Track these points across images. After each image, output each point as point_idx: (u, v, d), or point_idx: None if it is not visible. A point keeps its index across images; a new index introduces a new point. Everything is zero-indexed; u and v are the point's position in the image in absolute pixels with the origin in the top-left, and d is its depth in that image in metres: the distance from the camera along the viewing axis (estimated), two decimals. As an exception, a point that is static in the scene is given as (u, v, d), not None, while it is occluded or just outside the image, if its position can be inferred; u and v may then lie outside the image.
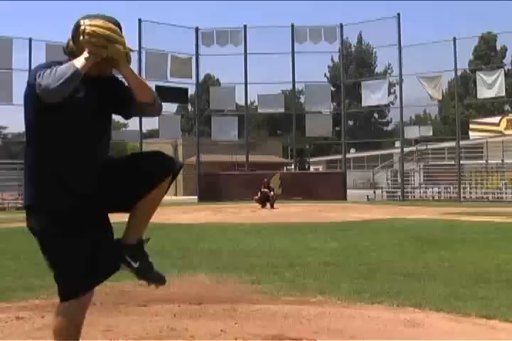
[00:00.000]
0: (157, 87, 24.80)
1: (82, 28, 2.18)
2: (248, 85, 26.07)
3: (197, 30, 26.26)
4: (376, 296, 4.42)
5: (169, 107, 25.39)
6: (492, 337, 3.34)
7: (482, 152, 27.45)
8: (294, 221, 12.74)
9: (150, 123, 48.76)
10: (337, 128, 32.92)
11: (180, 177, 34.59)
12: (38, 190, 2.24)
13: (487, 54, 45.35)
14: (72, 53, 2.27)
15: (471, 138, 26.61)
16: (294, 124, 26.67)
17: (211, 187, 24.10)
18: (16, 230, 11.08)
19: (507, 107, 43.21)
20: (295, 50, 26.13)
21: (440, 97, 26.27)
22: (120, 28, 2.27)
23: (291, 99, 28.75)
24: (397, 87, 30.39)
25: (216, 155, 32.12)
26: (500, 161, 25.49)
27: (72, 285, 2.28)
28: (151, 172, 2.27)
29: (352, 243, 8.27)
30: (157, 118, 20.68)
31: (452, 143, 25.78)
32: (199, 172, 25.63)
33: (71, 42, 2.29)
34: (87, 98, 2.23)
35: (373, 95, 26.00)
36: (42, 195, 2.23)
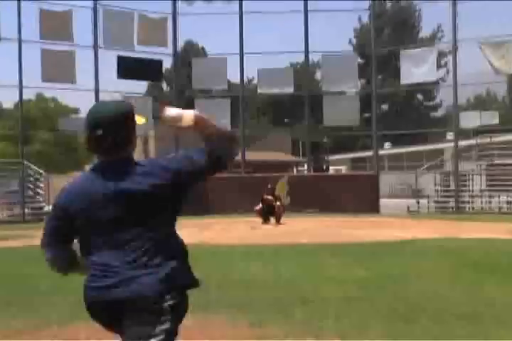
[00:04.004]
0: (120, 58, 24.94)
1: None
2: (244, 56, 26.18)
3: (174, -20, 26.36)
4: (419, 344, 4.45)
5: (137, 86, 25.40)
6: None
7: None
8: (307, 241, 12.80)
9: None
10: (366, 115, 33.02)
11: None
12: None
13: None
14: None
15: (551, 127, 26.60)
16: (308, 110, 26.75)
17: (196, 196, 24.01)
18: None
19: None
20: (308, 8, 26.20)
21: (510, 71, 26.29)
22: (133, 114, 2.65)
23: (304, 75, 28.83)
24: (449, 58, 30.51)
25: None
26: None
27: None
28: None
29: (386, 271, 8.31)
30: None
31: (525, 135, 25.80)
32: (178, 176, 25.61)
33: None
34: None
35: (416, 69, 26.05)
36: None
